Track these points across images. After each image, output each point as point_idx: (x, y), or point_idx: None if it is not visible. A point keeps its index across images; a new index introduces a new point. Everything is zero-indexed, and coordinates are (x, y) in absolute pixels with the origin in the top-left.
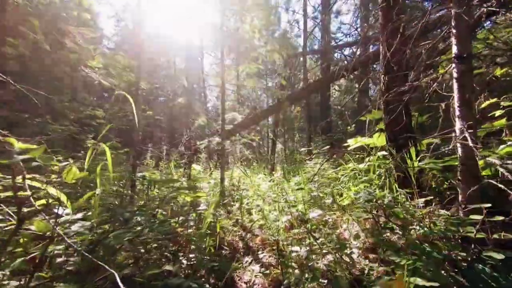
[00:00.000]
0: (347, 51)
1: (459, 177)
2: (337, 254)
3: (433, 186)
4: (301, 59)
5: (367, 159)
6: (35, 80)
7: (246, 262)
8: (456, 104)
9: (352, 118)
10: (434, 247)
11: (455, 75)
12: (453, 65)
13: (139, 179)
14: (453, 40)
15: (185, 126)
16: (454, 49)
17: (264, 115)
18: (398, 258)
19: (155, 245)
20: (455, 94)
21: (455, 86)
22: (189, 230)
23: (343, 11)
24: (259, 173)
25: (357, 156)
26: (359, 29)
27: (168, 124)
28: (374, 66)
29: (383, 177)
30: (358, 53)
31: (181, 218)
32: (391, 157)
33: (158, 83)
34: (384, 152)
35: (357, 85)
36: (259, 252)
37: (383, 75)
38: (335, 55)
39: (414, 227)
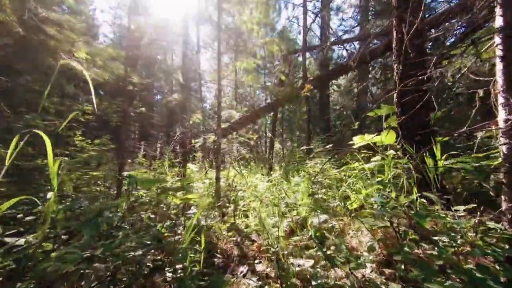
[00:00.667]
0: (348, 48)
1: (503, 180)
2: (348, 269)
3: (460, 190)
4: (300, 58)
5: (377, 158)
6: (18, 72)
7: (241, 273)
8: (499, 89)
9: (350, 119)
10: (485, 271)
11: (499, 53)
12: (497, 40)
13: (125, 179)
14: (498, 9)
15: (180, 123)
16: (499, 21)
17: (263, 112)
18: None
19: (139, 253)
20: (499, 77)
21: (499, 67)
22: (177, 237)
23: (343, 8)
24: (256, 173)
25: (362, 155)
26: (362, 24)
27: (164, 122)
28: (375, 65)
29: (402, 179)
30: (363, 46)
31: (170, 222)
32: (407, 156)
33: (153, 80)
34: (392, 151)
35: (356, 85)
36: (256, 262)
37: (397, 64)
38: (336, 50)
39: (448, 240)
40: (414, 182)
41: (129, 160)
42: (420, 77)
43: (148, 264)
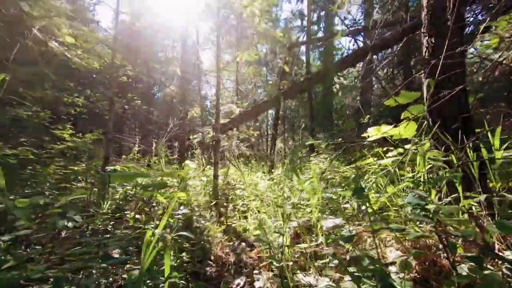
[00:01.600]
0: (350, 42)
1: None
2: None
3: None
4: (303, 56)
5: (396, 152)
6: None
7: (237, 287)
8: None
9: (353, 118)
10: None
11: None
12: None
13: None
14: None
15: (176, 117)
16: None
17: (265, 107)
18: None
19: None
20: None
21: None
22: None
23: (352, 1)
24: (257, 171)
25: (376, 150)
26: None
27: (162, 116)
28: (382, 62)
29: (441, 176)
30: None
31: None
32: (443, 147)
33: (153, 74)
34: (408, 146)
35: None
36: (255, 272)
37: (427, 37)
38: (340, 45)
39: None
40: (460, 180)
41: (124, 156)
42: (460, 49)
43: (124, 276)
